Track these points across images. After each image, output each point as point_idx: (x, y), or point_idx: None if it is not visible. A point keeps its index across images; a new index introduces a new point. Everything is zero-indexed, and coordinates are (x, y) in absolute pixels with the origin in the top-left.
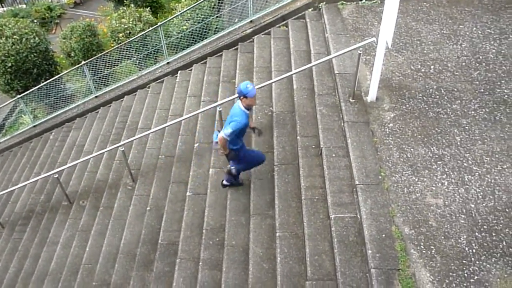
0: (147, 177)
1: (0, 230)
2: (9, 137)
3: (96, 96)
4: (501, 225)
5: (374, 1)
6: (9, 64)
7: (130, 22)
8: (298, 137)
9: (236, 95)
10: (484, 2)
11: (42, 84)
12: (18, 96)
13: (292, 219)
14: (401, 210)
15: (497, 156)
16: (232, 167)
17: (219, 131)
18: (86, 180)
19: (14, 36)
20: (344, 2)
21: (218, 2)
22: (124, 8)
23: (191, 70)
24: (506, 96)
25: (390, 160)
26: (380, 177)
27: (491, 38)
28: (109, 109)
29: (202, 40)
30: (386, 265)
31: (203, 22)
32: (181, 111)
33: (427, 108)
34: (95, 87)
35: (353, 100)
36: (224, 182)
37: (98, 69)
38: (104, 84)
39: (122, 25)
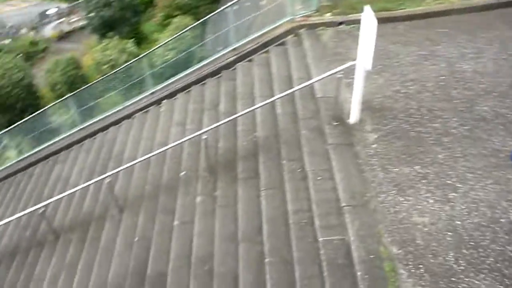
0: (134, 207)
1: None
2: None
3: (81, 129)
4: (487, 241)
5: (353, 26)
6: None
7: (114, 54)
8: (283, 161)
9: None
10: (458, 23)
11: (26, 119)
12: (2, 131)
13: (280, 244)
14: (388, 230)
15: (479, 172)
16: None
17: None
18: (73, 213)
19: None
20: (323, 28)
21: (201, 32)
22: (108, 40)
23: (175, 99)
24: (484, 113)
25: (375, 181)
26: (366, 198)
27: (467, 57)
28: (94, 141)
29: (186, 69)
30: (376, 286)
31: (187, 51)
32: (166, 140)
33: (409, 128)
34: (80, 120)
35: (336, 123)
36: None
37: (83, 101)
38: (89, 116)
39: (106, 57)
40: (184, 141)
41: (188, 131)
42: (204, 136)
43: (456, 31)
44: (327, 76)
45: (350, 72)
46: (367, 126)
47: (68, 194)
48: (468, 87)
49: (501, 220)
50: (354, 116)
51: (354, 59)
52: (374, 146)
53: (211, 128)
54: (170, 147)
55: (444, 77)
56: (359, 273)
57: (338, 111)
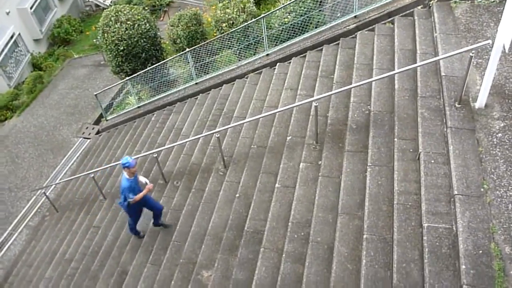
0: (238, 165)
1: (102, 200)
2: (115, 115)
3: (196, 83)
4: None
5: (492, 1)
6: (121, 48)
7: (234, 13)
8: (395, 139)
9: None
10: None
11: (148, 68)
12: (127, 78)
13: (381, 222)
14: (503, 228)
15: None
16: None
17: None
18: (182, 162)
19: (128, 22)
20: (457, 1)
21: None
22: None
23: (289, 63)
24: None
25: (496, 173)
26: (482, 189)
27: None
28: (207, 96)
29: (302, 34)
30: (481, 284)
31: (305, 15)
32: (276, 103)
33: None
34: (196, 74)
35: (459, 105)
36: None
37: (200, 57)
38: (204, 72)
39: (226, 15)
40: (295, 106)
41: (299, 96)
42: (315, 104)
43: None
44: (456, 54)
45: (482, 52)
46: (494, 112)
47: (180, 144)
48: None
49: None
50: (480, 100)
51: (489, 38)
52: (499, 135)
53: (323, 97)
54: (280, 111)
55: None
56: (463, 267)
57: (463, 93)
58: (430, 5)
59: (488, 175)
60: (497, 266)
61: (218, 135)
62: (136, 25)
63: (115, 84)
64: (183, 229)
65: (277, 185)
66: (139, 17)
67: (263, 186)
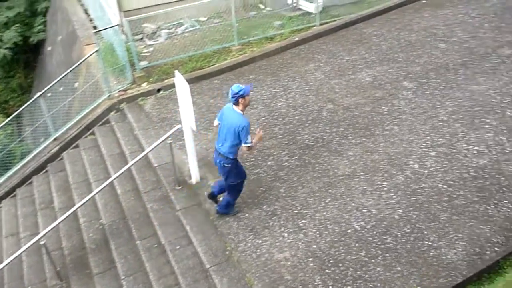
0: None
1: None
2: None
3: None
4: (343, 254)
5: (171, 90)
6: None
7: None
8: (137, 242)
9: None
10: (263, 68)
11: None
12: None
13: None
14: (257, 276)
15: (318, 194)
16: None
17: None
18: None
19: None
20: (143, 98)
21: (17, 127)
22: None
23: (0, 208)
24: (306, 140)
25: (231, 232)
26: (227, 252)
27: (278, 95)
28: None
29: (5, 173)
30: None
31: (2, 153)
32: (0, 258)
33: (247, 172)
34: None
35: (180, 187)
36: None
37: None
38: None
39: None
40: (21, 252)
41: (23, 239)
42: (42, 242)
43: (262, 75)
44: (158, 144)
45: (180, 134)
46: (209, 181)
47: None
48: (286, 121)
49: (348, 231)
50: (194, 176)
51: (179, 122)
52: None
53: (49, 230)
54: (6, 265)
55: (264, 118)
56: None
57: (178, 175)
58: (122, 108)
59: (226, 237)
60: None
61: None
62: None
63: None
64: None
65: None
66: None
67: None
